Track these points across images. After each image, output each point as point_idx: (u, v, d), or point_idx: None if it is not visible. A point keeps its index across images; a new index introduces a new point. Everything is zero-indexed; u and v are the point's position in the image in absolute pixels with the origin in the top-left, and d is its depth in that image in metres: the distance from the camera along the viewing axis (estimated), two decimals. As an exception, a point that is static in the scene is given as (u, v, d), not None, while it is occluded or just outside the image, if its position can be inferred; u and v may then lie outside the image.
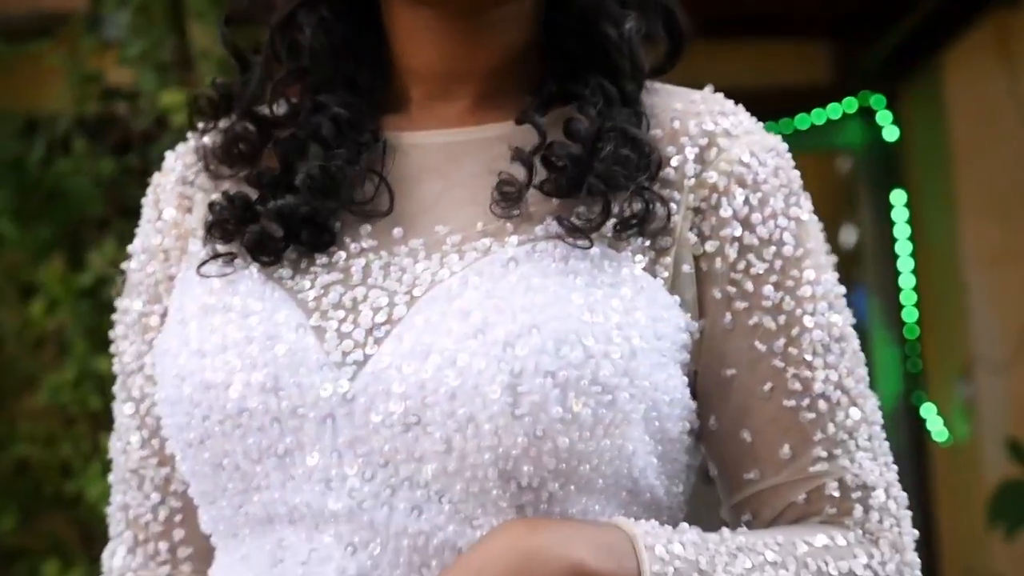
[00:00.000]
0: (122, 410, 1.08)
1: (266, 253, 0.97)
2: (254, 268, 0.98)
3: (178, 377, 0.95)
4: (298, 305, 0.96)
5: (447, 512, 0.90)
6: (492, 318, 0.90)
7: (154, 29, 3.55)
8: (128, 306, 1.09)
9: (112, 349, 1.09)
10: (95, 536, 3.51)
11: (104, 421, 3.36)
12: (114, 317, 1.10)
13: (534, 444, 0.88)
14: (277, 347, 0.93)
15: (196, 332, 0.96)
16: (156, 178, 1.10)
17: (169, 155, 1.10)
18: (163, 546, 1.06)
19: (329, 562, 0.91)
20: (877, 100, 4.91)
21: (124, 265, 1.10)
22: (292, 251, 0.98)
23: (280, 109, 1.03)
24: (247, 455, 0.93)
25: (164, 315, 1.04)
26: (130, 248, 1.10)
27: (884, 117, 4.94)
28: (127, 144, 3.76)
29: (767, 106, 4.51)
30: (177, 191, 1.07)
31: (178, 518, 1.06)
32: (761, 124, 1.03)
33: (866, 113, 4.92)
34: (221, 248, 0.99)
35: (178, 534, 1.06)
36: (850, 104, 4.86)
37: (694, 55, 3.58)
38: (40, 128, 3.75)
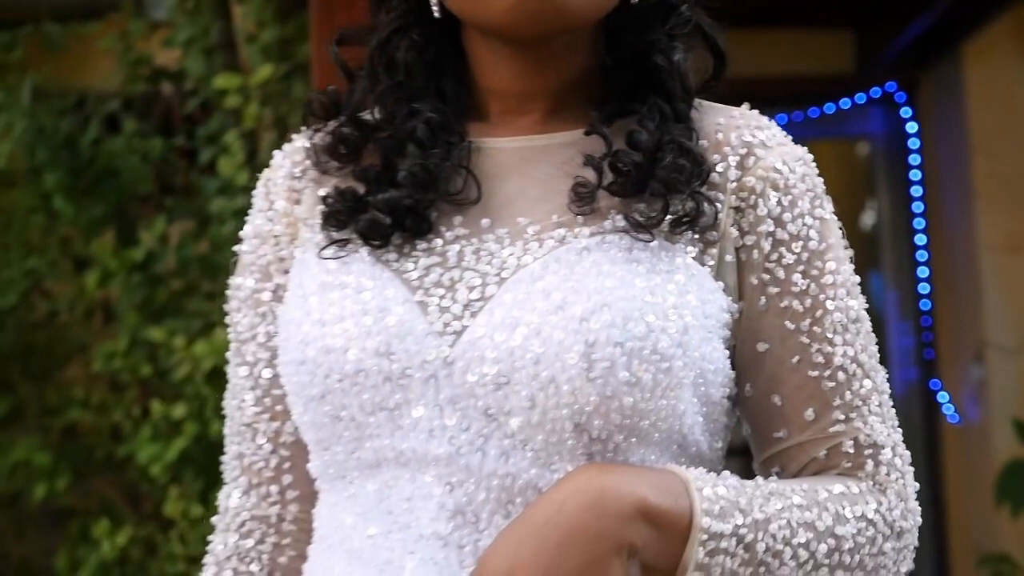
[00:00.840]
0: (236, 372, 1.23)
1: (376, 238, 1.12)
2: (364, 251, 1.13)
3: (302, 343, 1.10)
4: (403, 283, 1.11)
5: (530, 458, 1.06)
6: (570, 298, 1.05)
7: (200, 14, 3.69)
8: (241, 283, 1.23)
9: (227, 320, 1.24)
10: (142, 497, 3.69)
11: (154, 388, 3.53)
12: (227, 293, 1.25)
13: (604, 402, 1.04)
14: (388, 318, 1.08)
15: (317, 305, 1.11)
16: (266, 173, 1.25)
17: (277, 153, 1.25)
18: (273, 488, 1.21)
19: (431, 499, 1.07)
20: (897, 90, 5.03)
21: (236, 248, 1.25)
22: (397, 237, 1.13)
23: (378, 115, 1.18)
24: (362, 408, 1.08)
25: (275, 291, 1.20)
26: (241, 233, 1.25)
27: (903, 106, 5.06)
28: (172, 124, 3.91)
29: (793, 93, 4.65)
30: (287, 185, 1.22)
31: (287, 465, 1.21)
32: (785, 135, 1.18)
33: (887, 101, 5.04)
34: (336, 235, 1.15)
35: (286, 479, 1.21)
36: (872, 93, 4.97)
37: (745, 44, 3.75)
38: (90, 108, 3.89)
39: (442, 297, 1.09)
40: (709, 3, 1.21)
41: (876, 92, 4.98)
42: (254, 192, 1.25)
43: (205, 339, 3.37)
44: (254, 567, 1.22)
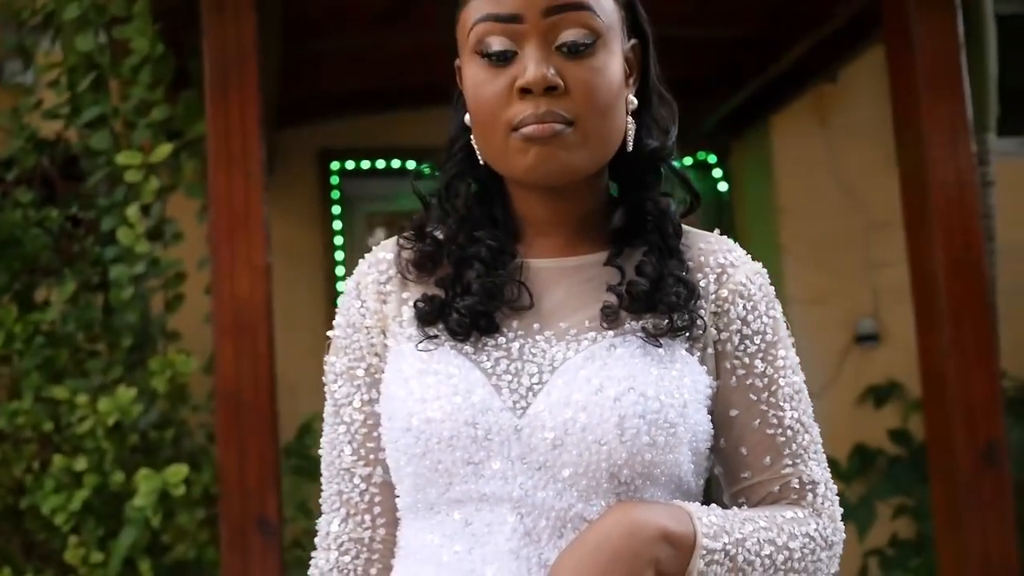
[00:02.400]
0: (336, 429, 1.56)
1: (460, 335, 1.49)
2: (447, 345, 1.49)
3: (408, 415, 1.45)
4: (480, 371, 1.45)
5: (576, 496, 1.42)
6: (605, 383, 1.42)
7: (94, 92, 3.94)
8: (335, 361, 1.57)
9: (325, 390, 1.59)
10: (38, 546, 3.89)
11: (55, 443, 3.74)
12: (325, 368, 1.59)
13: (631, 458, 1.41)
14: (473, 397, 1.43)
15: (417, 387, 1.46)
16: (356, 277, 1.58)
17: (363, 262, 1.59)
18: (367, 517, 1.55)
19: (505, 524, 1.42)
20: (711, 157, 5.57)
21: (329, 332, 1.59)
22: (472, 334, 1.50)
23: (447, 234, 1.54)
24: (454, 463, 1.44)
25: (367, 369, 1.55)
26: (335, 321, 1.59)
27: (717, 172, 5.60)
28: (55, 194, 4.13)
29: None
30: (375, 288, 1.56)
31: (377, 499, 1.54)
32: (746, 254, 1.59)
33: (702, 167, 5.56)
34: (429, 331, 1.50)
35: (376, 509, 1.55)
36: (688, 159, 5.48)
37: None
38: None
39: (510, 382, 1.46)
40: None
41: (690, 160, 5.50)
42: (344, 288, 1.59)
43: (108, 396, 3.61)
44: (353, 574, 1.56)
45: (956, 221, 3.89)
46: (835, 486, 1.58)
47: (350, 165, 5.46)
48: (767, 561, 1.46)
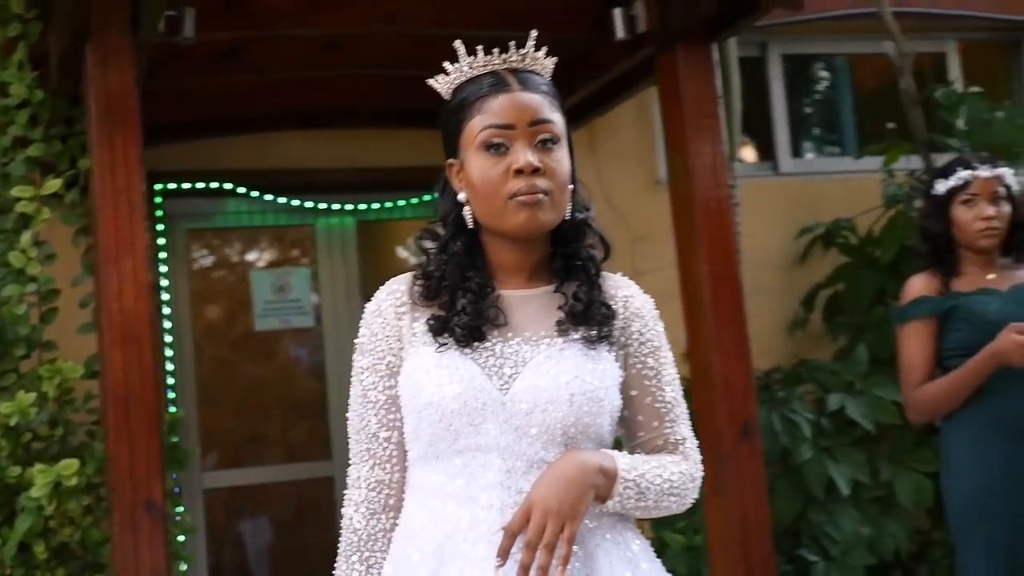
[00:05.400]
0: (365, 407, 2.20)
1: (463, 343, 2.15)
2: (454, 348, 2.14)
3: (430, 393, 2.10)
4: (477, 366, 2.11)
5: (540, 446, 2.08)
6: (559, 373, 2.10)
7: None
8: (361, 359, 2.22)
9: (353, 379, 2.24)
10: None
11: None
12: (353, 363, 2.23)
13: (575, 422, 2.09)
14: (474, 382, 2.10)
15: (435, 375, 2.11)
16: (377, 301, 2.22)
17: (381, 290, 2.23)
18: (387, 466, 2.21)
19: (493, 465, 2.08)
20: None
21: (355, 340, 2.24)
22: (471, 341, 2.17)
23: (443, 274, 2.21)
24: (461, 424, 2.09)
25: (388, 364, 2.19)
26: (360, 332, 2.23)
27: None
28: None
29: (422, 181, 5.79)
30: (393, 310, 2.20)
31: (394, 454, 2.20)
32: (630, 281, 2.31)
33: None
34: (440, 339, 2.16)
35: (393, 460, 2.20)
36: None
37: (381, 138, 5.42)
38: None
39: (497, 372, 2.14)
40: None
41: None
42: (367, 308, 2.25)
43: (8, 400, 4.10)
44: (377, 506, 2.22)
45: (717, 238, 4.65)
46: (696, 441, 2.32)
47: (172, 186, 5.95)
48: (658, 487, 2.17)
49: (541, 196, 2.12)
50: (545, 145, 2.15)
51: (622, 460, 2.14)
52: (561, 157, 2.17)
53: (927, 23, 6.84)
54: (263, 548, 6.69)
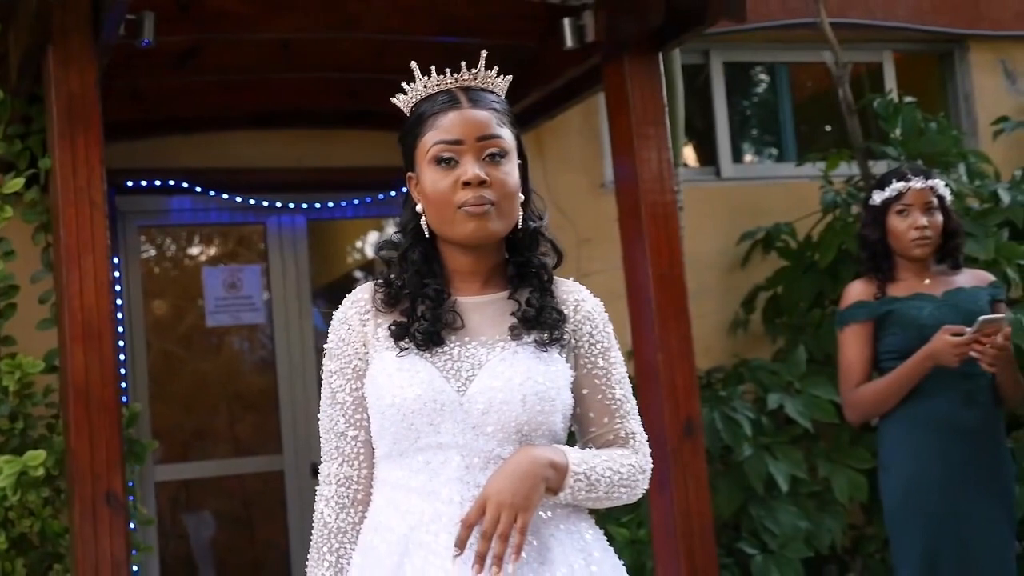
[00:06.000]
0: (333, 408, 2.32)
1: (423, 346, 2.28)
2: (414, 353, 2.28)
3: (391, 395, 2.22)
4: (436, 368, 2.23)
5: (495, 443, 2.21)
6: (513, 375, 2.22)
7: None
8: (330, 363, 2.34)
9: (324, 382, 2.35)
10: None
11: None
12: (323, 368, 2.35)
13: (528, 420, 2.21)
14: (434, 384, 2.22)
15: (397, 379, 2.23)
16: (343, 310, 2.33)
17: (347, 300, 2.35)
18: (355, 463, 2.33)
19: (453, 461, 2.21)
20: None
21: (325, 345, 2.36)
22: (429, 346, 2.29)
23: (404, 282, 2.34)
24: (421, 424, 2.21)
25: (354, 368, 2.31)
26: (329, 338, 2.35)
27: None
28: None
29: (371, 181, 5.95)
30: (358, 317, 2.33)
31: (362, 451, 2.32)
32: (581, 285, 2.45)
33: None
34: (401, 344, 2.29)
35: (360, 457, 2.32)
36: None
37: (332, 140, 5.58)
38: None
39: (455, 374, 2.27)
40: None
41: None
42: (335, 316, 2.37)
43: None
44: (346, 500, 2.34)
45: (662, 241, 4.79)
46: (645, 435, 2.44)
47: (125, 183, 6.00)
48: (608, 479, 2.30)
49: (488, 207, 2.25)
50: (493, 159, 2.27)
51: (573, 455, 2.27)
52: (509, 170, 2.29)
53: (864, 34, 7.05)
54: (211, 541, 6.77)
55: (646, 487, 2.40)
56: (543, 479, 2.20)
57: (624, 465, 2.34)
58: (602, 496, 2.30)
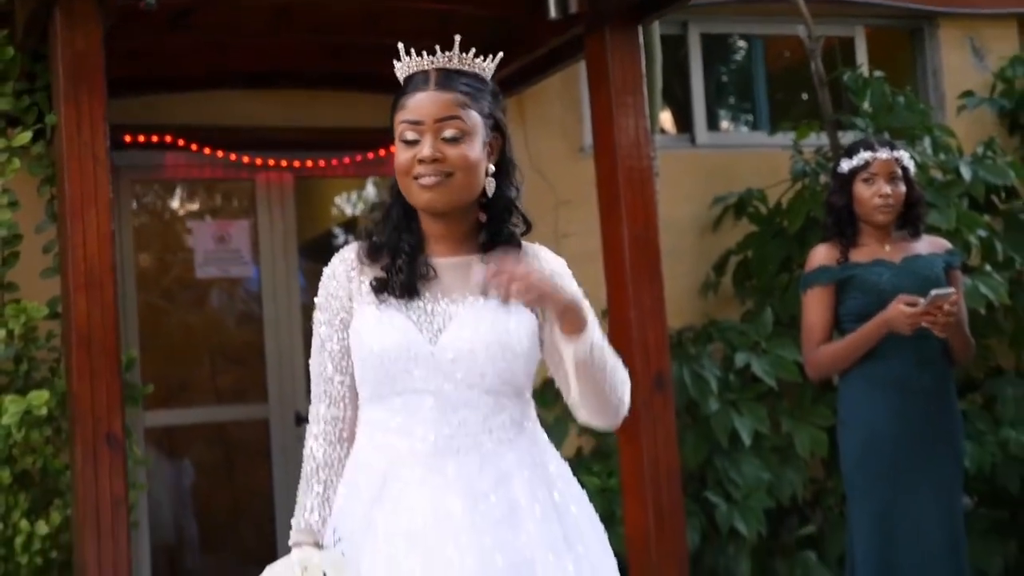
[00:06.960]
0: (322, 355, 2.53)
1: (401, 297, 2.49)
2: (393, 305, 2.49)
3: (372, 343, 2.42)
4: (411, 320, 2.44)
5: (463, 388, 2.42)
6: (480, 326, 2.42)
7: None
8: (319, 316, 2.55)
9: (313, 332, 2.57)
10: None
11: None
12: (314, 319, 2.57)
13: (496, 369, 2.42)
14: (408, 335, 2.42)
15: (377, 329, 2.43)
16: (332, 266, 2.54)
17: (336, 258, 2.57)
18: (341, 404, 2.53)
19: (426, 403, 2.42)
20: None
21: (315, 299, 2.58)
22: (405, 298, 2.50)
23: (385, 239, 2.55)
24: (398, 370, 2.42)
25: (341, 319, 2.51)
26: (319, 292, 2.56)
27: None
28: None
29: (357, 141, 6.17)
30: (345, 272, 2.52)
31: (348, 394, 2.53)
32: (546, 248, 2.67)
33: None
34: (381, 297, 2.50)
35: (346, 399, 2.53)
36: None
37: (320, 100, 5.85)
38: None
39: (427, 326, 2.49)
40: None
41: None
42: (325, 273, 2.59)
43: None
44: (333, 438, 2.55)
45: (638, 206, 5.04)
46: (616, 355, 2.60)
47: (119, 138, 6.18)
48: (607, 359, 2.46)
49: (439, 179, 2.45)
50: (451, 139, 2.46)
51: (591, 321, 2.47)
52: (467, 149, 2.47)
53: (836, 8, 7.26)
54: (196, 485, 7.00)
55: (628, 401, 2.57)
56: (573, 303, 2.41)
57: (614, 358, 2.52)
58: (600, 368, 2.46)
